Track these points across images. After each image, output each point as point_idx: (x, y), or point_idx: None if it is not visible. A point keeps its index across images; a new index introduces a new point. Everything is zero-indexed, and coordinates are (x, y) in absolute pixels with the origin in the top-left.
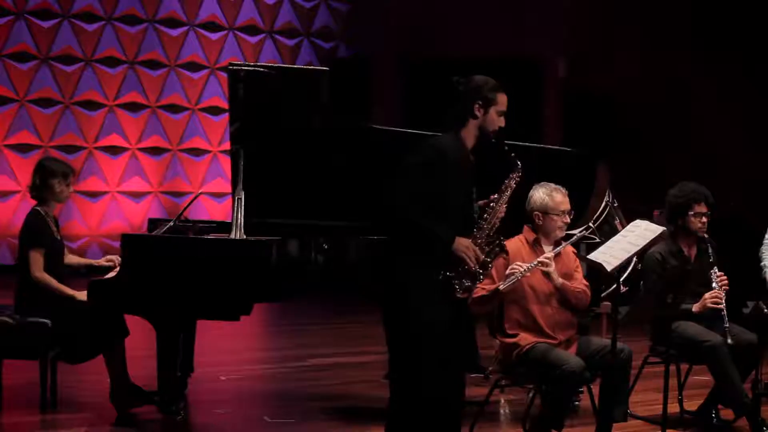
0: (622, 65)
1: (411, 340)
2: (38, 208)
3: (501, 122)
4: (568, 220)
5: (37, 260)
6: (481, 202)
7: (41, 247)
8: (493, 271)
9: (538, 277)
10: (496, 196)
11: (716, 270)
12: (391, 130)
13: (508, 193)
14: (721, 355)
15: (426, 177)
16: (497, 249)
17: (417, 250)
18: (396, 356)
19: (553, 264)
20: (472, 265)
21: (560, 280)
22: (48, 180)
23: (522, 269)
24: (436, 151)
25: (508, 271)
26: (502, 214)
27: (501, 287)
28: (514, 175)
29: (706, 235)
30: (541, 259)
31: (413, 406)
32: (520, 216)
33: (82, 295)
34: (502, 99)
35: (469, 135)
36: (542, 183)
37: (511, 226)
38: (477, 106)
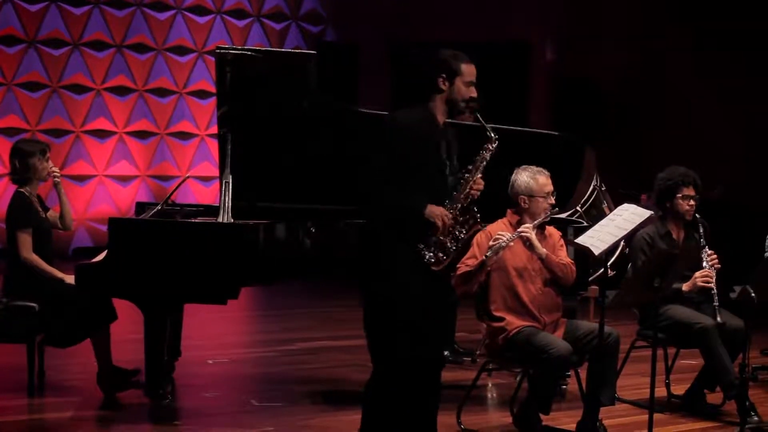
0: (611, 50)
1: (387, 311)
2: (21, 190)
3: (471, 92)
4: (553, 201)
5: (25, 241)
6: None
7: (28, 227)
8: (476, 250)
9: (522, 258)
10: (470, 167)
11: (707, 249)
12: (378, 114)
13: (483, 164)
14: (712, 337)
15: (392, 152)
16: (471, 221)
17: (392, 226)
18: (373, 331)
19: (533, 233)
20: (442, 228)
21: (543, 250)
22: (27, 160)
23: (505, 238)
24: (398, 126)
25: (491, 242)
26: (481, 186)
27: (487, 254)
28: (489, 146)
29: (697, 216)
30: (521, 228)
31: (390, 373)
32: (502, 200)
33: (70, 279)
34: (468, 69)
35: (438, 109)
36: (524, 166)
37: (492, 211)
38: (441, 79)
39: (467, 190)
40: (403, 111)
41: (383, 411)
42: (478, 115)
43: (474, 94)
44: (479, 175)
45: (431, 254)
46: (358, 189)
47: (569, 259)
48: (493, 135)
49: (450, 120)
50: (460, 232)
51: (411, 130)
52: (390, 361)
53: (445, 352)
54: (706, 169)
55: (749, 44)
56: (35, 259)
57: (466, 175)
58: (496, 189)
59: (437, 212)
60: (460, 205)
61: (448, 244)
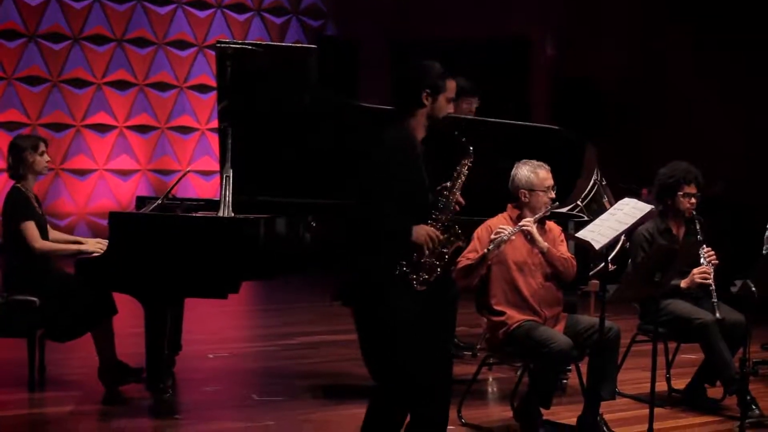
0: (612, 48)
1: (384, 333)
2: (18, 185)
3: (450, 109)
4: (553, 195)
5: (33, 231)
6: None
7: (31, 219)
8: (477, 244)
9: (523, 252)
10: (448, 184)
11: (704, 246)
12: (379, 108)
13: (461, 180)
14: (712, 332)
15: (379, 178)
16: (452, 238)
17: (379, 247)
18: (369, 349)
19: (534, 227)
20: (430, 250)
21: (545, 244)
22: (20, 154)
23: (506, 232)
24: (386, 151)
25: (492, 236)
26: (459, 201)
27: (489, 248)
28: (466, 161)
29: (694, 212)
30: (522, 221)
31: (395, 392)
32: (502, 195)
33: (88, 245)
34: (451, 85)
35: (418, 124)
36: (524, 161)
37: (493, 205)
38: (425, 94)
39: (449, 207)
40: (391, 133)
41: (387, 421)
42: (456, 132)
43: (452, 110)
44: (459, 192)
45: (415, 276)
46: (351, 204)
47: (570, 254)
48: (470, 150)
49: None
50: (443, 252)
51: (401, 152)
52: (397, 377)
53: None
54: (706, 166)
55: (749, 43)
56: (48, 245)
57: (445, 192)
58: (497, 184)
59: (423, 234)
60: (440, 224)
61: (433, 263)
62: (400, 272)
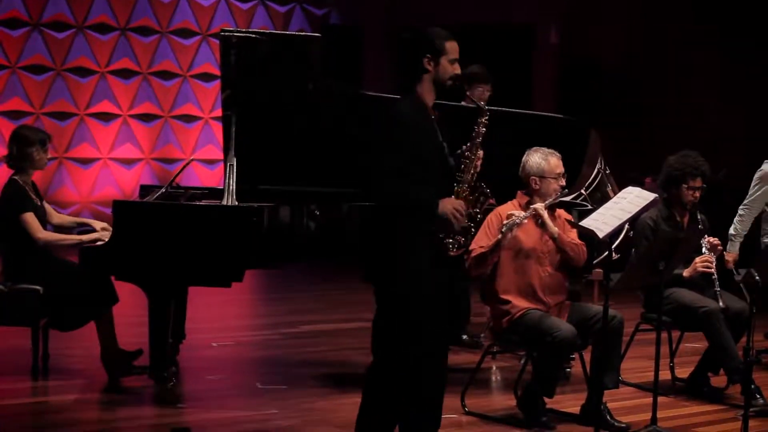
0: (615, 32)
1: (403, 306)
2: (15, 177)
3: (456, 69)
4: (563, 183)
5: (34, 223)
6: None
7: (30, 210)
8: (488, 231)
9: (534, 238)
10: (468, 144)
11: (707, 236)
12: (381, 97)
13: (480, 139)
14: (716, 321)
15: (393, 149)
16: (482, 197)
17: (404, 219)
18: (383, 322)
19: (545, 213)
20: (460, 222)
21: (556, 229)
22: (26, 149)
23: (519, 216)
24: (395, 121)
25: (504, 221)
26: (480, 161)
27: (502, 230)
28: (482, 120)
29: (696, 204)
30: (534, 205)
31: (401, 369)
32: (510, 183)
33: (96, 231)
34: (452, 46)
35: (426, 91)
36: (535, 148)
37: (497, 193)
38: (426, 59)
39: (472, 168)
40: (399, 104)
41: (383, 400)
42: (467, 93)
43: (458, 70)
44: (479, 151)
45: (452, 239)
46: (366, 182)
47: (580, 242)
48: (483, 106)
49: (438, 101)
50: (475, 211)
51: (409, 121)
52: (395, 356)
53: (464, 336)
54: (707, 152)
55: (751, 30)
56: (50, 235)
57: (467, 153)
58: (504, 172)
59: (449, 208)
60: (467, 185)
61: (468, 226)
62: (436, 239)
